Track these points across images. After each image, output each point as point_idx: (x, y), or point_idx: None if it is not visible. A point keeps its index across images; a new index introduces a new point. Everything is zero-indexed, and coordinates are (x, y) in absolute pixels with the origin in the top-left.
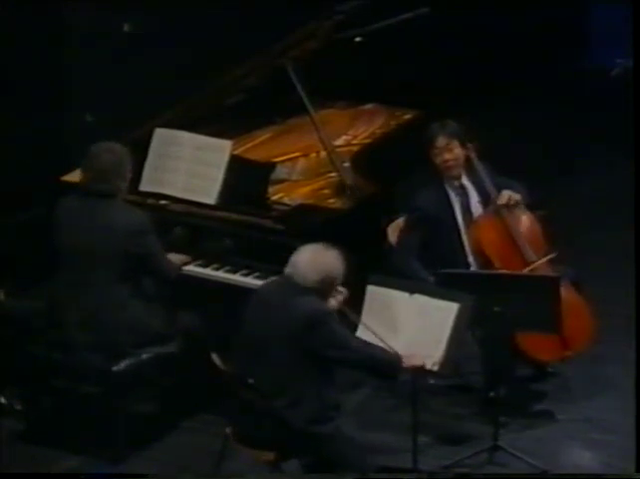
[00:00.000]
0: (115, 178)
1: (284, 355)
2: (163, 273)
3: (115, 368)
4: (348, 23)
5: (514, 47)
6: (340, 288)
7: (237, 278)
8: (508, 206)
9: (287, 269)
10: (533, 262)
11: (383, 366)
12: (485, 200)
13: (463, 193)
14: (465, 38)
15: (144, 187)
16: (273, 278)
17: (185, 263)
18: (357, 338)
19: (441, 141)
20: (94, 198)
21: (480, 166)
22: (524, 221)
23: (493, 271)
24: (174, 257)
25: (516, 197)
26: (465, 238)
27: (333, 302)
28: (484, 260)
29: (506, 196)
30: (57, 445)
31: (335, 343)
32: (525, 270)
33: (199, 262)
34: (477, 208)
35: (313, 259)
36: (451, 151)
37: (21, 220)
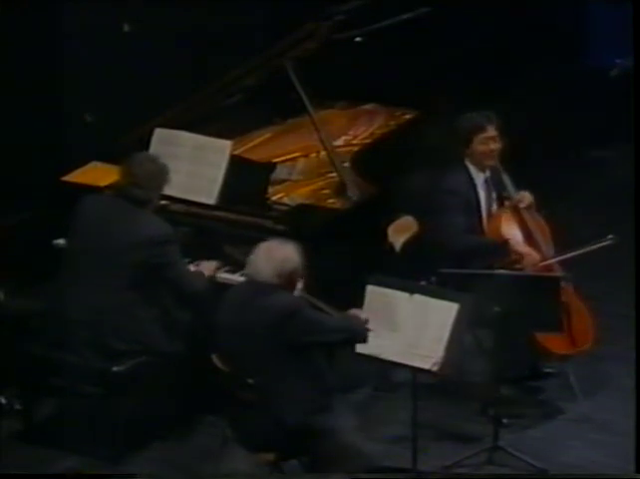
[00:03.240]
0: (150, 187)
1: (264, 353)
2: (186, 284)
3: (115, 368)
4: (348, 23)
5: (514, 47)
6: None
7: (237, 279)
8: (526, 205)
9: (246, 270)
10: (550, 258)
11: (357, 334)
12: (500, 197)
13: (487, 186)
14: (464, 38)
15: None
16: (240, 282)
17: (218, 269)
18: (330, 316)
19: (491, 130)
20: (124, 202)
21: (499, 164)
22: (538, 220)
23: (494, 271)
24: (206, 266)
25: (531, 198)
26: (485, 229)
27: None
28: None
29: (525, 196)
30: (57, 445)
31: (312, 329)
32: (541, 265)
33: (199, 263)
34: (494, 203)
35: (266, 256)
36: (496, 141)
37: (21, 220)
